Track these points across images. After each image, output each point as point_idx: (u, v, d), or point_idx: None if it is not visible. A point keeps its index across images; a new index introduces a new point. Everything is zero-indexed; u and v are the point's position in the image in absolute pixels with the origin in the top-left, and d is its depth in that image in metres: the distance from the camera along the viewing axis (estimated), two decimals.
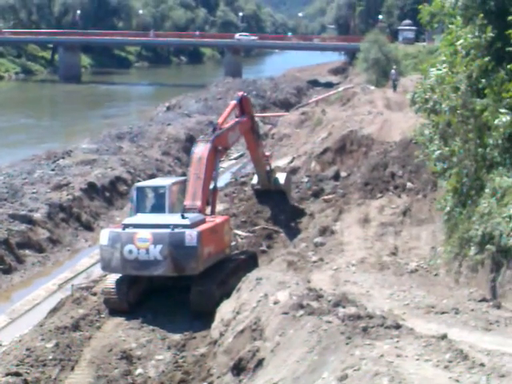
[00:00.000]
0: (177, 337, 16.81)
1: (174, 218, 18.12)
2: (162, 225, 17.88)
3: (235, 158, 40.91)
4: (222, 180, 31.68)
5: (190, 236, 17.53)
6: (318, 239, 20.99)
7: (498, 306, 13.16)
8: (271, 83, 72.64)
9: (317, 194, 27.22)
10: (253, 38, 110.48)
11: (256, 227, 24.32)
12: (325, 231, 21.65)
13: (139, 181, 27.62)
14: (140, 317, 17.76)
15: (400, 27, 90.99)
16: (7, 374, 14.21)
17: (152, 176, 32.07)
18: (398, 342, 9.62)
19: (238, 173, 35.23)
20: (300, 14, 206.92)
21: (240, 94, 24.34)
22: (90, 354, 15.73)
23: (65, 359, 15.31)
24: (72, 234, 27.01)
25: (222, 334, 13.89)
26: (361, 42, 70.31)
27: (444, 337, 9.73)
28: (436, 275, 16.93)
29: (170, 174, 34.86)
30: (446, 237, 17.62)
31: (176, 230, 17.63)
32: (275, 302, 12.69)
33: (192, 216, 18.38)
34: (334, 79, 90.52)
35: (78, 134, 47.86)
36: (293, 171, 30.06)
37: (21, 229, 24.97)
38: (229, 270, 19.09)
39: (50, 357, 15.21)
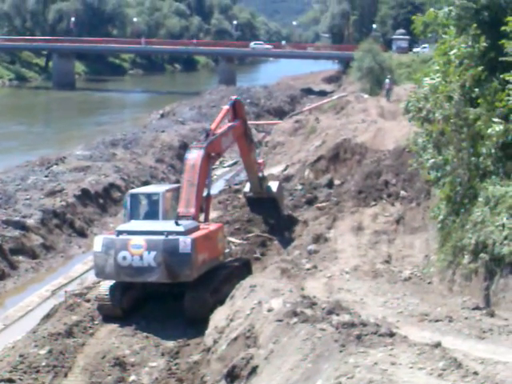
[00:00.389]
0: (170, 344, 16.78)
1: (168, 225, 18.08)
2: (155, 231, 17.84)
3: (229, 166, 40.94)
4: (216, 187, 31.71)
5: (184, 243, 17.50)
6: (312, 247, 20.99)
7: (492, 315, 13.16)
8: (265, 91, 72.81)
9: (311, 202, 27.25)
10: (267, 46, 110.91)
11: (250, 234, 24.33)
12: (318, 239, 21.67)
13: (133, 188, 27.59)
14: (134, 323, 17.71)
15: (394, 36, 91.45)
16: (0, 381, 14.16)
17: (146, 183, 32.07)
18: (391, 349, 9.61)
19: (232, 180, 35.24)
20: (294, 23, 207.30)
21: (233, 97, 24.17)
22: (83, 360, 15.70)
23: (58, 366, 15.27)
24: (65, 240, 26.99)
25: (215, 341, 13.86)
26: (355, 50, 70.68)
27: (438, 345, 9.72)
28: (430, 283, 16.94)
29: (164, 181, 34.87)
30: (439, 245, 17.64)
31: (170, 237, 17.60)
32: (269, 310, 12.69)
33: (186, 223, 18.35)
34: (327, 88, 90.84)
35: (71, 140, 47.81)
36: (287, 179, 30.11)
37: (14, 235, 24.92)
38: (222, 277, 19.07)
39: (43, 363, 15.17)
